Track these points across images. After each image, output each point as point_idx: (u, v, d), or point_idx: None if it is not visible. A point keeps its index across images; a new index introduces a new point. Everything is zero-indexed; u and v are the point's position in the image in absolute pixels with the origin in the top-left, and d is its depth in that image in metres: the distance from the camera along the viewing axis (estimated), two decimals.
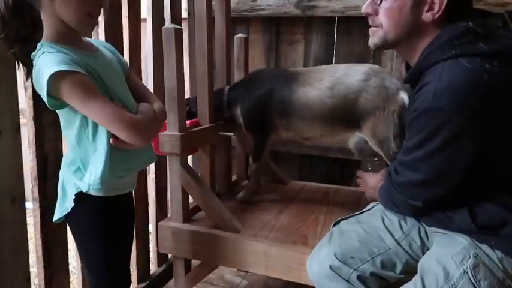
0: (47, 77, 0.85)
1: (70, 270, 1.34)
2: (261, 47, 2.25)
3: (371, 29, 1.08)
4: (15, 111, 1.05)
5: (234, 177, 2.00)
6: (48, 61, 0.88)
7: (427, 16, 0.99)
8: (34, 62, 0.92)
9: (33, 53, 0.93)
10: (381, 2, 1.03)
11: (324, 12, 2.02)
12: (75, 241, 1.10)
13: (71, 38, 0.96)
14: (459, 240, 1.00)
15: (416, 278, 0.99)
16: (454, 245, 0.99)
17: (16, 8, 0.91)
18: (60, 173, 1.06)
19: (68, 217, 1.03)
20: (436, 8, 0.97)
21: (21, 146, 1.07)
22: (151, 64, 1.74)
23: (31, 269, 1.15)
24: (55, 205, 1.04)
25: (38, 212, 1.19)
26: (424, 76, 0.96)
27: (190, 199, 1.56)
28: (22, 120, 1.06)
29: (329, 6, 2.00)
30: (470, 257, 0.94)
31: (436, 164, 0.95)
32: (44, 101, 0.90)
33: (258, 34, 2.24)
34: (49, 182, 1.20)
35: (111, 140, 0.96)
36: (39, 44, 0.93)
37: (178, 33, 1.39)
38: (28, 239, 1.13)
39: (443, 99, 0.88)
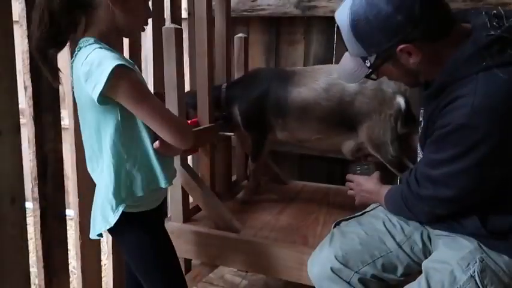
0: (109, 70, 0.83)
1: (70, 270, 1.34)
2: (261, 47, 2.25)
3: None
4: (15, 111, 1.05)
5: (234, 177, 2.00)
6: (106, 56, 0.86)
7: (413, 61, 0.95)
8: (82, 55, 0.88)
9: (80, 45, 0.90)
10: (376, 75, 1.04)
11: (324, 12, 2.02)
12: (130, 257, 1.06)
13: (113, 40, 0.96)
14: (465, 244, 0.99)
15: (421, 280, 0.98)
16: (460, 248, 0.98)
17: (70, 5, 0.88)
18: (100, 195, 1.01)
19: (116, 236, 1.02)
20: (412, 53, 0.93)
21: (21, 146, 1.07)
22: (151, 64, 1.74)
23: (31, 269, 1.15)
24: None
25: (38, 212, 1.19)
26: (453, 89, 0.91)
27: (190, 199, 1.56)
28: (22, 120, 1.06)
29: (329, 6, 2.00)
30: (476, 262, 0.93)
31: (468, 182, 0.92)
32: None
33: (258, 34, 2.24)
34: (49, 182, 1.20)
35: (155, 143, 0.94)
36: (87, 39, 0.90)
37: (178, 33, 1.39)
38: (28, 239, 1.13)
39: (481, 117, 0.85)
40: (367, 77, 1.03)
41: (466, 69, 0.89)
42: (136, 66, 0.95)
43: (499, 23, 0.91)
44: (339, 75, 1.10)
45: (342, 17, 0.96)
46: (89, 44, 0.89)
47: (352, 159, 1.57)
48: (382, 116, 1.41)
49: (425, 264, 1.02)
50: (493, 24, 0.90)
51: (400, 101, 1.41)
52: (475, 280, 0.91)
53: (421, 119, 1.14)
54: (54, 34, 0.88)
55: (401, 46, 0.92)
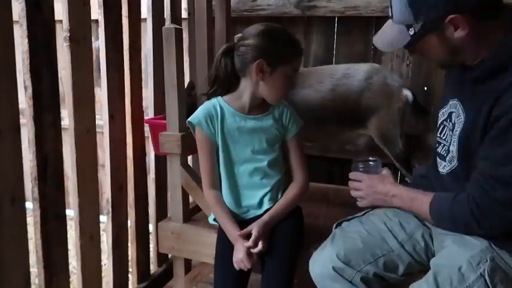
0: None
1: (70, 270, 1.34)
2: None
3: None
4: (15, 111, 1.05)
5: None
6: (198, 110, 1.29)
7: (459, 34, 0.93)
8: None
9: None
10: (414, 49, 1.02)
11: (324, 12, 2.02)
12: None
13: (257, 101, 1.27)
14: (476, 243, 0.97)
15: (429, 277, 0.96)
16: (470, 246, 0.96)
17: (231, 73, 1.23)
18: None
19: None
20: (460, 25, 0.91)
21: (21, 146, 1.07)
22: (151, 64, 1.74)
23: (31, 269, 1.15)
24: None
25: (38, 212, 1.19)
26: (505, 76, 0.87)
27: (190, 199, 1.56)
28: (22, 120, 1.06)
29: (329, 6, 2.00)
30: (487, 261, 0.92)
31: None
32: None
33: None
34: (49, 182, 1.20)
35: None
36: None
37: (178, 33, 1.39)
38: (28, 239, 1.13)
39: None
40: (406, 47, 1.00)
41: None
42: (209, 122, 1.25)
43: None
44: (375, 42, 1.06)
45: None
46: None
47: (367, 154, 1.58)
48: (391, 109, 1.43)
49: (434, 261, 1.00)
50: None
51: (407, 93, 1.43)
52: (485, 279, 0.90)
53: (443, 110, 1.09)
54: (213, 90, 1.27)
55: (451, 16, 0.90)
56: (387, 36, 1.03)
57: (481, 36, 0.93)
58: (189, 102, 1.57)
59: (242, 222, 1.25)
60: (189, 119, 1.27)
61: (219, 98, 1.28)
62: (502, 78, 0.89)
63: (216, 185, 1.30)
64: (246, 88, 1.23)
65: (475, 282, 0.90)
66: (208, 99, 1.29)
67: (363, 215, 1.23)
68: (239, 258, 1.14)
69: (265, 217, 1.22)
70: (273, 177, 1.29)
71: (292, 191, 1.30)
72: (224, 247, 1.22)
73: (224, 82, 1.25)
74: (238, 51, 1.20)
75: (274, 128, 1.28)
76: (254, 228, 1.17)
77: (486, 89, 0.93)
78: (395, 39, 1.01)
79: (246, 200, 1.29)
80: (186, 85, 1.60)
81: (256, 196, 1.28)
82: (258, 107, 1.27)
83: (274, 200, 1.29)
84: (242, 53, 1.19)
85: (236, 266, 1.15)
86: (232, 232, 1.19)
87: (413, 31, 0.97)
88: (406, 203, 1.08)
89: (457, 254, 0.96)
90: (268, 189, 1.28)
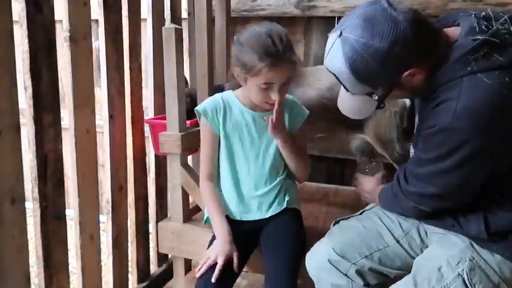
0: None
1: (70, 270, 1.34)
2: None
3: None
4: (15, 111, 1.05)
5: None
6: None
7: (417, 80, 0.96)
8: None
9: None
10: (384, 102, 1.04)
11: (324, 12, 2.02)
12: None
13: None
14: (457, 242, 0.99)
15: (409, 276, 0.99)
16: (451, 246, 0.99)
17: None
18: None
19: None
20: (415, 73, 0.94)
21: (21, 146, 1.07)
22: (151, 64, 1.74)
23: (31, 269, 1.15)
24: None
25: (38, 212, 1.19)
26: (440, 92, 0.94)
27: (190, 199, 1.56)
28: (22, 120, 1.06)
29: (329, 6, 2.00)
30: (466, 260, 0.95)
31: (450, 181, 0.95)
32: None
33: None
34: (49, 182, 1.20)
35: None
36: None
37: (178, 33, 1.39)
38: (28, 239, 1.13)
39: (464, 120, 0.87)
40: (378, 108, 1.04)
41: (452, 73, 0.91)
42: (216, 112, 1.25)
43: (487, 26, 0.92)
44: (342, 110, 1.10)
45: (337, 65, 0.96)
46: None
47: (360, 157, 1.59)
48: (387, 113, 1.43)
49: (416, 260, 1.03)
50: (482, 27, 0.91)
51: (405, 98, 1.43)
52: (463, 278, 0.92)
53: (416, 120, 1.16)
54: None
55: (406, 72, 0.93)
56: (355, 106, 1.06)
57: (434, 68, 0.95)
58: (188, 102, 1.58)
59: (240, 222, 1.26)
60: (196, 108, 1.28)
61: (230, 92, 1.29)
62: (435, 96, 0.95)
63: (213, 178, 1.29)
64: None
65: (452, 282, 0.93)
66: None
67: (361, 213, 1.24)
68: (212, 259, 1.11)
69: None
70: (276, 177, 1.29)
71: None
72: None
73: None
74: None
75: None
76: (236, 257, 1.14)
77: (426, 105, 1.00)
78: (363, 109, 1.04)
79: (248, 200, 1.29)
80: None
81: (259, 197, 1.28)
82: None
83: (278, 204, 1.28)
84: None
85: (204, 260, 1.13)
86: (219, 228, 1.18)
87: (376, 96, 1.00)
88: (374, 196, 1.23)
89: (438, 254, 0.99)
90: (273, 191, 1.28)
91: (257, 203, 1.28)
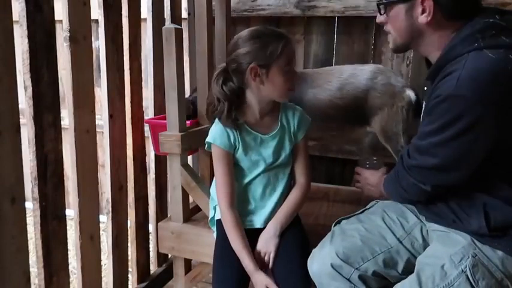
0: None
1: (70, 270, 1.34)
2: None
3: (388, 36, 1.13)
4: (15, 111, 1.05)
5: None
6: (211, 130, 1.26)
7: (421, 19, 1.00)
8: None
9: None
10: (384, 12, 1.07)
11: (324, 12, 2.02)
12: None
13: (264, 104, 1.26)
14: (458, 240, 1.00)
15: (413, 275, 0.99)
16: (453, 244, 0.99)
17: (233, 93, 1.20)
18: None
19: None
20: (427, 10, 0.98)
21: (21, 146, 1.07)
22: (151, 64, 1.74)
23: (31, 269, 1.15)
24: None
25: (38, 212, 1.19)
26: (447, 68, 0.96)
27: (191, 199, 1.56)
28: (22, 120, 1.06)
29: (329, 6, 2.00)
30: (469, 257, 0.95)
31: (452, 150, 0.95)
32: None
33: None
34: (49, 182, 1.20)
35: None
36: None
37: (178, 33, 1.39)
38: (28, 239, 1.13)
39: (466, 87, 0.89)
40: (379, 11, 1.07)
41: (460, 49, 0.95)
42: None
43: (502, 15, 0.96)
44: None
45: None
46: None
47: (368, 152, 1.65)
48: (394, 108, 1.49)
49: (418, 259, 1.03)
50: (495, 16, 0.96)
51: (410, 93, 1.50)
52: (466, 275, 0.92)
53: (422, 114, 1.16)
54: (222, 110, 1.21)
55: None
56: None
57: (440, 31, 1.01)
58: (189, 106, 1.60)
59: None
60: (206, 140, 1.25)
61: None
62: (442, 72, 0.98)
63: (234, 204, 1.24)
64: (252, 97, 1.22)
65: (456, 279, 0.93)
66: (219, 119, 1.24)
67: (362, 212, 1.24)
68: None
69: (273, 230, 1.23)
70: (280, 184, 1.30)
71: (295, 195, 1.29)
72: (224, 251, 1.21)
73: (231, 100, 1.20)
74: (231, 67, 1.19)
75: (286, 140, 1.28)
76: (271, 249, 1.19)
77: (433, 82, 1.02)
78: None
79: (254, 210, 1.29)
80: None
81: (264, 208, 1.29)
82: (269, 110, 1.26)
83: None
84: (234, 67, 1.18)
85: None
86: (249, 264, 1.16)
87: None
88: (379, 188, 1.24)
89: (440, 252, 0.99)
90: (278, 201, 1.29)
91: (261, 211, 1.29)
